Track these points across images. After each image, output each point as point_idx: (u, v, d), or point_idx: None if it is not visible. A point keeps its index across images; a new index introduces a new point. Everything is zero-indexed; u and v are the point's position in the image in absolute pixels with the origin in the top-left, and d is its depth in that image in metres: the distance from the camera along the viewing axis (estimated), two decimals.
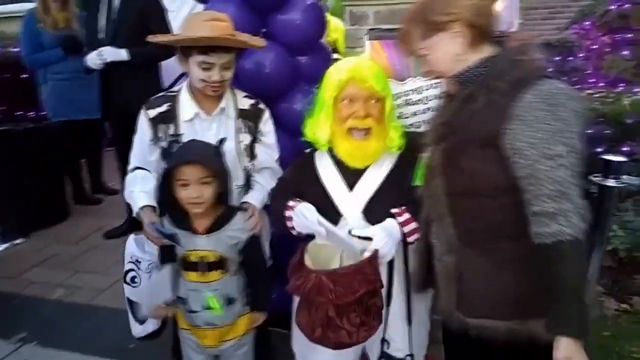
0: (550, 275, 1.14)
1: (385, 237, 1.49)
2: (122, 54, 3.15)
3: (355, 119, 1.57)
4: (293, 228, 1.65)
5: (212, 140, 1.76)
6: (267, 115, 1.94)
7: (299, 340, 1.79)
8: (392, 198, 1.60)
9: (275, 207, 1.76)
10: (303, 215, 1.59)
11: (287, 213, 1.64)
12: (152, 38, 1.82)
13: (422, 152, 1.48)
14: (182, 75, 1.92)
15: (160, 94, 1.91)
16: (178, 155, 1.67)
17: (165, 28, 3.16)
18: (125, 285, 1.85)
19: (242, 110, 1.88)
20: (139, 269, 1.82)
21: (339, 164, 1.65)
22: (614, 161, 1.54)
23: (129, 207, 3.69)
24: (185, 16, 2.93)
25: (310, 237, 1.62)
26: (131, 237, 1.87)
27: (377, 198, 1.62)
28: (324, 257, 1.60)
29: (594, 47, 4.96)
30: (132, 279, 1.84)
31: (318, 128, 1.65)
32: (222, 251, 1.71)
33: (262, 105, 1.93)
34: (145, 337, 1.89)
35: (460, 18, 1.27)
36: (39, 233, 3.83)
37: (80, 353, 2.43)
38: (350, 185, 1.64)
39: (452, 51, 1.31)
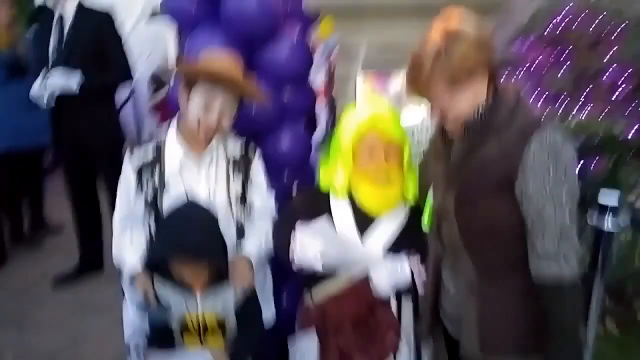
0: (548, 313, 1.23)
1: (386, 273, 1.53)
2: (71, 84, 2.84)
3: (377, 166, 1.56)
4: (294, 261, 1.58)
5: (203, 190, 1.68)
6: (257, 155, 1.84)
7: None
8: (405, 251, 1.58)
9: (279, 236, 1.69)
10: (305, 245, 1.53)
11: (292, 245, 1.57)
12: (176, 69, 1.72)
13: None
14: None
15: (147, 142, 1.75)
16: (171, 247, 1.49)
17: (122, 51, 2.99)
18: None
19: (232, 155, 1.78)
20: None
21: (354, 209, 1.63)
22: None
23: (80, 244, 3.36)
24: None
25: (312, 278, 1.60)
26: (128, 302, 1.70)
27: (391, 251, 1.59)
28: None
29: None
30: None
31: (335, 175, 1.63)
32: (221, 312, 1.57)
33: (252, 145, 1.84)
34: None
35: (486, 63, 1.25)
36: None
37: None
38: (362, 231, 1.61)
39: (479, 97, 1.26)
